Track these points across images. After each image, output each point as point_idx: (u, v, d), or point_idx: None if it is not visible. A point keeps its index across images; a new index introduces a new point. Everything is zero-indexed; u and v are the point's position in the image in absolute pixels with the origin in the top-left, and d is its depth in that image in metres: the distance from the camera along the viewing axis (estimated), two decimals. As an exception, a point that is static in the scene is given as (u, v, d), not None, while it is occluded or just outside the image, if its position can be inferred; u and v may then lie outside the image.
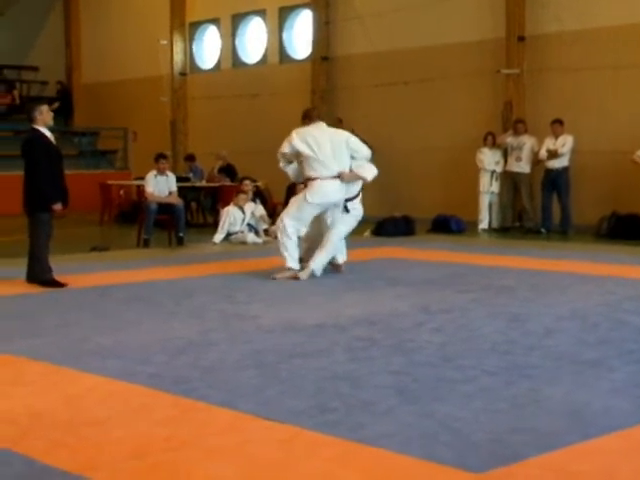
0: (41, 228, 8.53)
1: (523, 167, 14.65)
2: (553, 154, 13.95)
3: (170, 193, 12.98)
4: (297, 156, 9.18)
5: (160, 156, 13.21)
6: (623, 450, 3.84)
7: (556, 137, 14.06)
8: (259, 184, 15.52)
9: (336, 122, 16.84)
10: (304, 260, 9.18)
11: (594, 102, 14.52)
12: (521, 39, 15.22)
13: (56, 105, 20.83)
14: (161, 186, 12.93)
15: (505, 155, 14.88)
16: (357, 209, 9.34)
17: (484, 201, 14.87)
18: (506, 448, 3.83)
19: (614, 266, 10.01)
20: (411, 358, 5.55)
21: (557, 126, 14.08)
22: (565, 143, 13.96)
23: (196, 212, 17.50)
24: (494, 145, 14.86)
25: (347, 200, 9.16)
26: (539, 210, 14.52)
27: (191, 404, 4.57)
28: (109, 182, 17.93)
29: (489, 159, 14.81)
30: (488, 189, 14.81)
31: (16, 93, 23.12)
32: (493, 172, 14.81)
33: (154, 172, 13.01)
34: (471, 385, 4.88)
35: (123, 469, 3.66)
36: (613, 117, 14.30)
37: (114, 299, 7.96)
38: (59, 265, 8.95)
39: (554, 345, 5.91)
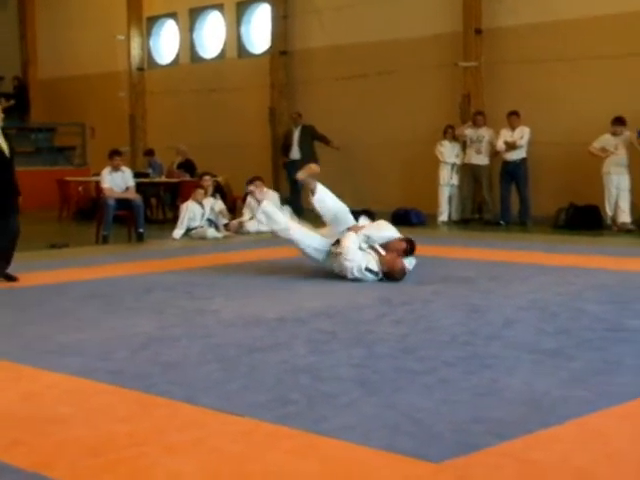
0: None
1: (482, 159, 14.74)
2: (511, 145, 14.05)
3: (127, 189, 12.90)
4: None
5: (113, 152, 13.08)
6: (580, 438, 3.88)
7: (513, 129, 14.17)
8: (219, 179, 15.48)
9: (296, 117, 16.87)
10: None
11: (551, 94, 14.65)
12: (478, 32, 15.31)
13: (11, 102, 20.61)
14: (117, 182, 12.85)
15: (464, 147, 14.96)
16: None
17: (444, 194, 14.94)
18: (466, 437, 3.86)
19: (572, 256, 10.11)
20: (372, 350, 5.56)
21: (514, 118, 14.18)
22: (522, 135, 14.07)
23: (156, 208, 17.39)
24: (454, 138, 14.93)
25: None
26: (498, 202, 14.63)
27: (152, 400, 4.54)
28: (67, 179, 17.76)
29: (449, 152, 14.88)
30: (448, 182, 14.89)
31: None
32: (453, 165, 14.88)
33: (109, 168, 12.93)
34: (432, 376, 4.91)
35: (82, 467, 3.63)
36: (570, 109, 14.43)
37: (73, 296, 7.89)
38: (17, 262, 8.85)
39: (513, 335, 5.96)
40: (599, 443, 3.81)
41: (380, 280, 8.34)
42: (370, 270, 8.35)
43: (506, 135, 14.16)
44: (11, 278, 8.57)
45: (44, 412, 4.37)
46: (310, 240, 8.67)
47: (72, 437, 3.97)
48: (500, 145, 14.19)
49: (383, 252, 8.45)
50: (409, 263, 8.47)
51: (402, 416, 4.17)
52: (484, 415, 4.17)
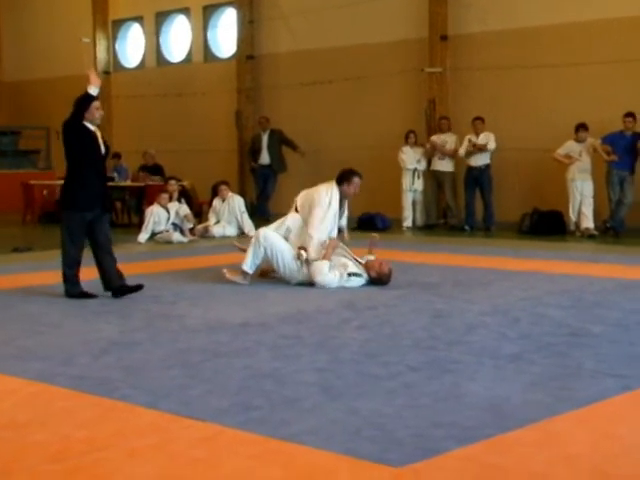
0: None
1: (446, 165, 14.81)
2: (480, 148, 14.09)
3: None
4: None
5: None
6: (539, 441, 3.92)
7: (477, 134, 14.26)
8: (184, 183, 15.43)
9: (263, 121, 16.87)
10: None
11: (516, 100, 14.79)
12: (444, 38, 15.42)
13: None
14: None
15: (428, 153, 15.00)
16: None
17: (407, 199, 14.99)
18: (427, 442, 3.89)
19: (536, 261, 10.20)
20: (336, 355, 5.58)
21: (478, 123, 14.28)
22: (489, 140, 14.15)
23: (121, 212, 17.30)
24: (415, 144, 14.98)
25: None
26: (463, 207, 14.71)
27: (113, 405, 4.53)
28: (31, 182, 17.62)
29: (410, 158, 14.92)
30: (410, 187, 14.93)
31: None
32: (415, 170, 14.92)
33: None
34: (394, 381, 4.94)
35: (41, 473, 3.61)
36: (534, 115, 14.58)
37: (36, 300, 7.85)
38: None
39: (476, 340, 6.00)
40: (558, 447, 3.85)
41: (369, 284, 8.37)
42: (355, 274, 8.40)
43: (473, 140, 14.23)
44: None
45: (2, 418, 4.33)
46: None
47: (31, 443, 3.95)
48: (461, 152, 14.29)
49: (363, 260, 8.58)
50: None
51: (364, 421, 4.19)
52: (445, 420, 4.20)
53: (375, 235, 9.53)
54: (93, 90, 7.80)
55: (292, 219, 8.87)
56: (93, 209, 7.98)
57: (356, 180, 8.99)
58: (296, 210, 8.95)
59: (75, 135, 7.95)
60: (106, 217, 8.33)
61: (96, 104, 7.93)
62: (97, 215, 8.02)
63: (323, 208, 8.73)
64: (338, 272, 8.37)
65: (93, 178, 7.98)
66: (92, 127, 7.97)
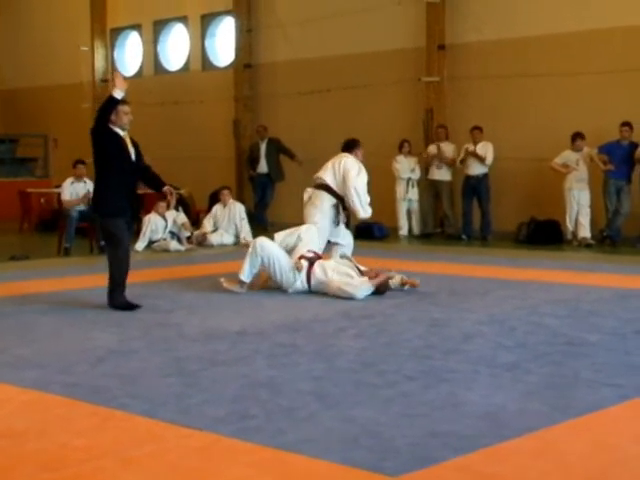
0: None
1: (444, 175, 14.83)
2: (474, 154, 14.12)
3: (88, 200, 12.84)
4: None
5: (78, 162, 13.08)
6: (535, 451, 3.92)
7: (475, 143, 14.29)
8: (182, 192, 15.42)
9: (261, 130, 16.88)
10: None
11: (514, 109, 14.81)
12: (441, 48, 15.44)
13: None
14: (78, 193, 12.82)
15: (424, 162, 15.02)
16: None
17: (401, 209, 15.00)
18: (424, 451, 3.89)
19: (532, 271, 10.21)
20: (332, 364, 5.58)
21: (477, 132, 14.30)
22: (487, 151, 14.16)
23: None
24: (410, 153, 15.00)
25: None
26: (460, 217, 14.72)
27: (110, 413, 4.52)
28: (29, 190, 17.61)
29: (404, 167, 14.94)
30: (404, 196, 14.95)
31: None
32: (409, 180, 14.94)
33: (71, 179, 12.97)
34: (391, 390, 4.94)
35: (38, 481, 3.61)
36: (532, 124, 14.59)
37: (33, 308, 7.83)
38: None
39: (472, 349, 6.00)
40: (554, 456, 3.85)
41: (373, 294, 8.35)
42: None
43: (470, 148, 14.26)
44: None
45: (-1, 426, 4.34)
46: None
47: (27, 451, 3.94)
48: (457, 163, 14.36)
49: (364, 268, 8.63)
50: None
51: (360, 430, 4.19)
52: (442, 429, 4.20)
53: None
54: (118, 93, 7.63)
55: (307, 230, 8.92)
56: (122, 215, 7.78)
57: (360, 147, 9.54)
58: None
59: (102, 140, 7.72)
60: (129, 227, 8.14)
61: (124, 109, 7.74)
62: (125, 223, 7.86)
63: (356, 170, 9.18)
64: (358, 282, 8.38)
65: (121, 185, 7.75)
66: (121, 132, 7.83)
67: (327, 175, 9.31)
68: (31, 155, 22.12)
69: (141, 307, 7.74)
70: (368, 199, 9.22)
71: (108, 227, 7.78)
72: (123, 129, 7.76)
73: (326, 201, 9.24)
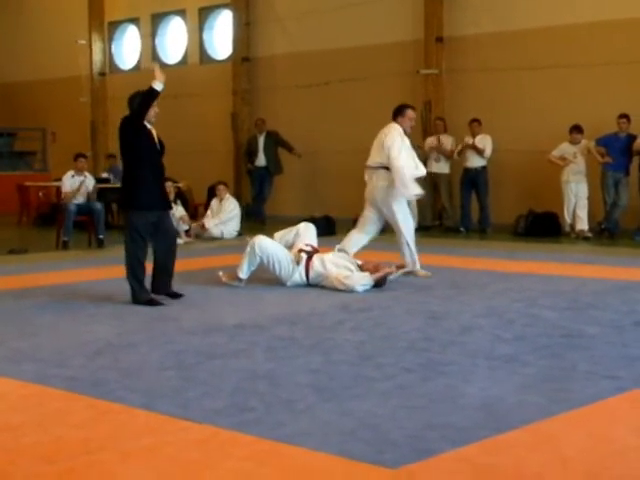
0: None
1: (442, 167, 14.83)
2: (472, 146, 14.12)
3: (87, 194, 12.86)
4: None
5: (79, 155, 13.16)
6: (532, 443, 3.92)
7: (474, 136, 14.29)
8: (180, 185, 15.44)
9: (260, 123, 16.86)
10: None
11: (512, 102, 14.81)
12: (439, 40, 15.44)
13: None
14: (77, 186, 12.83)
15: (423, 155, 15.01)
16: None
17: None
18: (422, 443, 3.89)
19: (531, 263, 10.22)
20: (330, 357, 5.58)
21: (475, 125, 14.30)
22: (485, 143, 14.16)
23: (117, 213, 17.29)
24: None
25: None
26: (458, 209, 14.73)
27: (108, 406, 4.52)
28: (27, 184, 17.62)
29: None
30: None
31: None
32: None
33: (71, 172, 12.97)
34: (389, 382, 4.94)
35: (35, 474, 3.60)
36: (530, 117, 14.59)
37: (32, 302, 7.83)
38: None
39: (470, 342, 6.01)
40: (552, 448, 3.85)
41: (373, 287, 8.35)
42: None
43: (468, 141, 14.27)
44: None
45: (-2, 419, 4.34)
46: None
47: (25, 444, 3.94)
48: (455, 155, 14.37)
49: (360, 262, 8.64)
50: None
51: (358, 422, 4.19)
52: (440, 421, 4.20)
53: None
54: (158, 85, 7.62)
55: (305, 226, 8.98)
56: (153, 209, 7.71)
57: (409, 112, 9.22)
58: None
59: (134, 133, 7.69)
60: (169, 217, 8.10)
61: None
62: (160, 216, 7.77)
63: (396, 141, 8.93)
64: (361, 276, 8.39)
65: (151, 177, 7.74)
66: (149, 125, 7.81)
67: (377, 153, 9.12)
68: (29, 149, 22.14)
69: (164, 305, 7.60)
70: (414, 173, 8.98)
71: (133, 221, 7.69)
72: (150, 122, 7.76)
73: (387, 180, 9.07)
